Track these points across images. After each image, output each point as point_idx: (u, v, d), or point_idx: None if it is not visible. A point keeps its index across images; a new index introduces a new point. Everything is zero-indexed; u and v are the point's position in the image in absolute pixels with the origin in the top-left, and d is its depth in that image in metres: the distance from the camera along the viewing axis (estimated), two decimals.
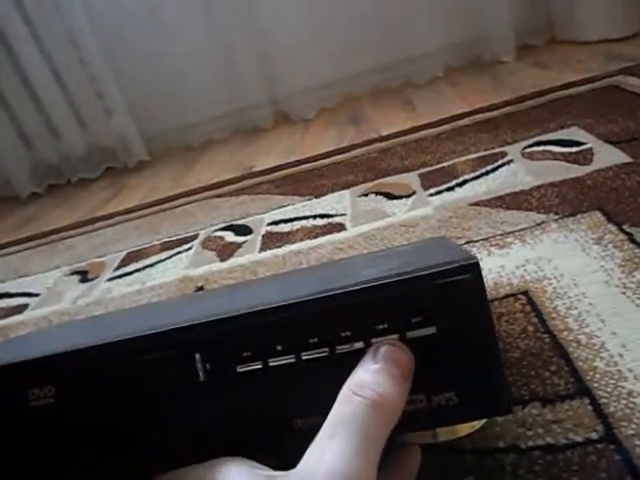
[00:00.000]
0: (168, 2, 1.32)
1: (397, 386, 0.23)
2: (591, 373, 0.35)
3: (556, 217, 0.55)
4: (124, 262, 0.81)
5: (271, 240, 0.72)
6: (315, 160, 0.99)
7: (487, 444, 0.33)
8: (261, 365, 0.24)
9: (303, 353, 0.24)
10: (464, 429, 0.30)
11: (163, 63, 1.38)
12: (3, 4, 1.30)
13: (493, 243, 0.54)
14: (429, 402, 0.24)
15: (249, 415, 0.24)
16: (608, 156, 0.64)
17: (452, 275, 0.23)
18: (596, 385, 0.34)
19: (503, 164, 0.70)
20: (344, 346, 0.24)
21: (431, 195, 0.69)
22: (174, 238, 0.84)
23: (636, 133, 0.68)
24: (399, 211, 0.68)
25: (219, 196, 0.98)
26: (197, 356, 0.24)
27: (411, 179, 0.76)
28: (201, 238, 0.81)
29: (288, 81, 1.37)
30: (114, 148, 1.44)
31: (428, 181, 0.74)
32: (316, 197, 0.81)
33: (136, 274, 0.75)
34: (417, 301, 0.23)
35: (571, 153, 0.67)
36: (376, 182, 0.79)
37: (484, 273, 0.49)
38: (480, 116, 0.93)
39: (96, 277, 0.79)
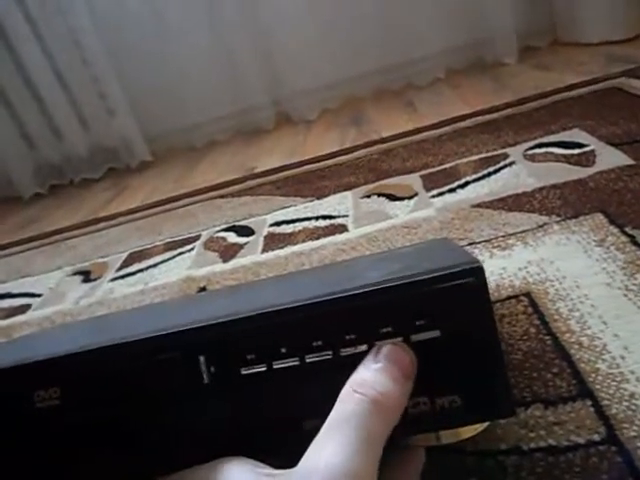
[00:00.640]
0: (171, 3, 1.32)
1: (398, 385, 0.23)
2: (593, 375, 0.36)
3: (558, 219, 0.55)
4: (127, 262, 0.82)
5: (273, 241, 0.72)
6: (317, 161, 0.99)
7: (489, 446, 0.33)
8: (265, 368, 0.24)
9: (307, 356, 0.24)
10: (467, 431, 0.30)
11: (166, 64, 1.38)
12: (5, 3, 1.31)
13: (495, 245, 0.54)
14: (433, 405, 0.24)
15: (253, 417, 0.24)
16: (610, 158, 0.64)
17: (456, 279, 0.23)
18: (598, 387, 0.35)
19: (505, 166, 0.71)
20: (348, 349, 0.24)
21: (433, 197, 0.69)
22: (177, 239, 0.85)
23: (638, 135, 0.68)
24: (401, 212, 0.68)
25: (221, 197, 0.98)
26: (201, 359, 0.24)
27: (413, 180, 0.76)
28: (203, 239, 0.81)
29: (290, 82, 1.37)
30: (116, 148, 1.44)
31: (430, 182, 0.74)
32: (318, 198, 0.81)
33: (139, 274, 0.76)
34: (421, 304, 0.24)
35: (573, 155, 0.68)
36: (378, 183, 0.79)
37: (486, 275, 0.49)
38: (482, 118, 0.93)
39: (99, 277, 0.79)
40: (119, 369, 0.25)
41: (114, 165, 1.48)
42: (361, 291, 0.24)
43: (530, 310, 0.43)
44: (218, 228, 0.83)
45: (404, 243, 0.61)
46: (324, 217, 0.74)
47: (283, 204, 0.84)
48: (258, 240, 0.74)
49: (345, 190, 0.81)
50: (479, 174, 0.71)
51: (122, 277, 0.76)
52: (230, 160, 1.25)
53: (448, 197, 0.68)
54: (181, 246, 0.81)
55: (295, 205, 0.82)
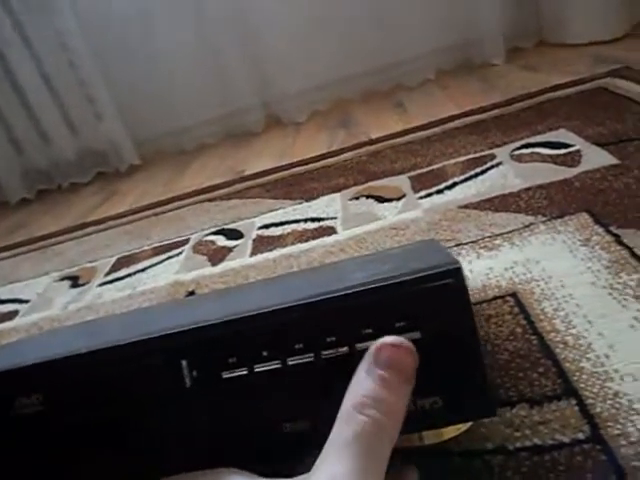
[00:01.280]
0: (158, 5, 1.32)
1: (401, 394, 0.23)
2: (578, 374, 0.36)
3: (544, 219, 0.55)
4: (115, 267, 0.81)
5: (262, 244, 0.72)
6: (306, 163, 0.99)
7: (475, 446, 0.33)
8: (247, 371, 0.24)
9: (289, 359, 0.24)
10: (450, 432, 0.30)
11: (154, 67, 1.38)
12: None
13: (482, 245, 0.54)
14: (414, 406, 0.24)
15: (235, 420, 0.24)
16: (596, 158, 0.64)
17: (435, 280, 0.23)
18: (583, 386, 0.35)
19: (492, 166, 0.71)
20: (329, 351, 0.24)
21: (421, 198, 0.69)
22: (165, 243, 0.84)
23: (623, 135, 0.68)
24: (389, 214, 0.68)
25: (210, 200, 0.98)
26: (183, 363, 0.24)
27: (401, 182, 0.76)
28: (192, 243, 0.81)
29: (279, 85, 1.37)
30: (105, 153, 1.44)
31: (418, 184, 0.74)
32: (307, 200, 0.81)
33: (127, 279, 0.75)
34: (401, 306, 0.24)
35: (559, 155, 0.68)
36: (367, 185, 0.80)
37: (473, 275, 0.50)
38: (470, 118, 0.93)
39: (87, 282, 0.79)
40: (102, 374, 0.25)
41: (103, 169, 1.47)
42: (341, 294, 0.24)
43: (516, 310, 0.43)
44: (207, 232, 0.83)
45: (392, 244, 0.61)
46: (313, 219, 0.74)
47: (272, 207, 0.84)
48: (247, 243, 0.74)
49: (334, 192, 0.81)
50: (466, 175, 0.71)
51: (110, 282, 0.76)
52: (219, 163, 1.25)
53: (436, 198, 0.68)
54: (170, 250, 0.81)
55: (284, 207, 0.82)
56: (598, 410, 0.33)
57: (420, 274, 0.24)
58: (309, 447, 0.25)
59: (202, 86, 1.39)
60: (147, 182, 1.30)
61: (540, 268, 0.48)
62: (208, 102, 1.41)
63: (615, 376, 0.35)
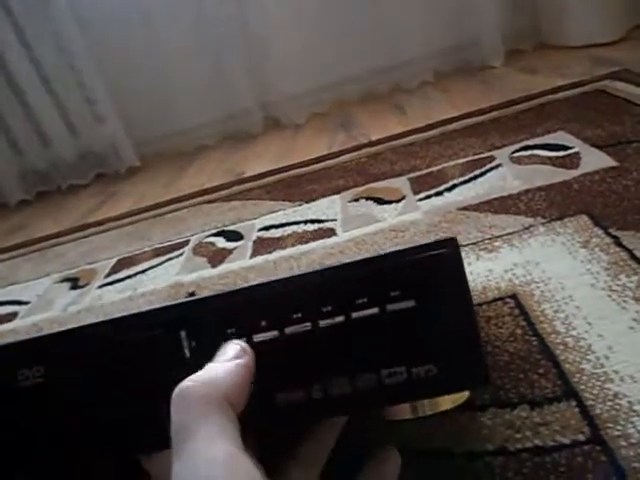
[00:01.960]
0: (158, 8, 1.32)
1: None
2: (578, 375, 0.36)
3: (544, 221, 0.55)
4: (115, 269, 0.81)
5: (262, 246, 0.72)
6: (306, 165, 0.99)
7: (476, 447, 0.33)
8: (245, 341, 0.24)
9: (286, 328, 0.24)
10: (446, 403, 0.30)
11: (153, 69, 1.38)
12: None
13: (482, 247, 0.54)
14: (409, 375, 0.24)
15: None
16: (595, 160, 0.65)
17: (429, 250, 0.24)
18: (583, 387, 0.35)
19: (491, 168, 0.71)
20: (326, 320, 0.24)
21: (421, 200, 0.70)
22: (165, 244, 0.84)
23: (622, 137, 0.68)
24: (389, 216, 0.68)
25: (210, 202, 0.98)
26: (182, 334, 0.25)
27: (401, 184, 0.76)
28: (192, 244, 0.81)
29: (279, 87, 1.37)
30: (104, 154, 1.44)
31: (418, 185, 0.74)
32: (307, 202, 0.82)
33: (127, 281, 0.75)
34: (396, 275, 0.24)
35: (558, 157, 0.68)
36: (366, 187, 0.80)
37: (473, 277, 0.50)
38: (469, 121, 0.94)
39: (87, 284, 0.79)
40: (102, 347, 0.25)
41: (102, 171, 1.47)
42: (336, 265, 0.24)
43: (516, 312, 0.44)
44: (207, 233, 0.83)
45: (392, 246, 0.61)
46: (313, 221, 0.74)
47: (272, 208, 0.84)
48: (247, 245, 0.74)
49: (334, 194, 0.81)
50: (466, 177, 0.71)
51: (110, 283, 0.76)
52: (219, 165, 1.25)
53: (435, 200, 0.68)
54: (170, 252, 0.81)
55: (284, 209, 0.82)
56: (598, 411, 0.33)
57: (415, 244, 0.24)
58: (304, 417, 0.25)
59: (201, 88, 1.40)
60: (147, 184, 1.30)
61: (540, 270, 0.48)
62: (208, 104, 1.41)
63: (615, 377, 0.35)
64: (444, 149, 0.85)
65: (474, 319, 0.25)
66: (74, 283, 0.81)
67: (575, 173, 0.63)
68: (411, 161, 0.84)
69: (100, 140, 1.42)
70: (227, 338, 0.25)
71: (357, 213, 0.72)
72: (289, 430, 0.26)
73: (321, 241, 0.67)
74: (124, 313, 0.26)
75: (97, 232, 1.03)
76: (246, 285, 0.25)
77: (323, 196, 0.82)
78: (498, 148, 0.78)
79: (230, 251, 0.74)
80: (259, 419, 0.24)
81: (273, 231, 0.76)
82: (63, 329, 0.26)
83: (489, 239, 0.55)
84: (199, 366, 0.24)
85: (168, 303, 0.26)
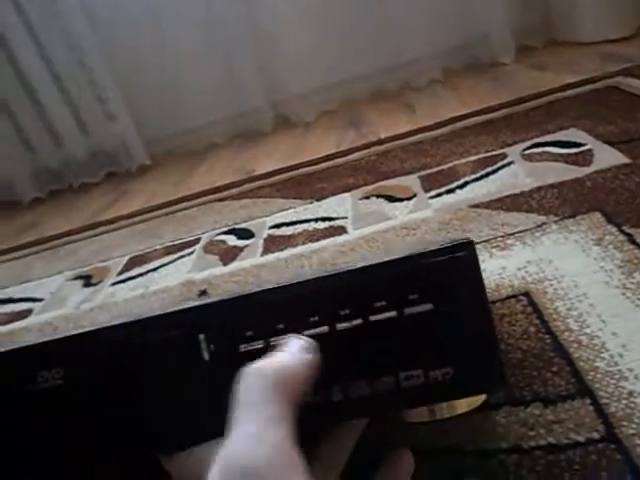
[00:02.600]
0: (168, 7, 1.32)
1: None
2: (592, 373, 0.36)
3: (556, 218, 0.55)
4: (127, 266, 0.82)
5: (273, 243, 0.72)
6: (316, 163, 0.99)
7: (490, 445, 0.33)
8: (263, 344, 0.25)
9: (304, 332, 0.24)
10: (462, 406, 0.30)
11: (163, 67, 1.39)
12: (3, 9, 1.31)
13: (494, 245, 0.54)
14: (426, 378, 0.24)
15: None
16: (607, 157, 0.64)
17: (447, 253, 0.24)
18: (597, 385, 0.35)
19: (503, 166, 0.71)
20: (343, 324, 0.24)
21: (432, 197, 0.69)
22: (176, 242, 0.85)
23: (635, 134, 0.68)
24: (400, 214, 0.68)
25: (221, 200, 0.98)
26: (201, 337, 0.25)
27: (412, 181, 0.76)
28: (203, 242, 0.81)
29: (288, 85, 1.37)
30: (115, 153, 1.45)
31: (429, 183, 0.74)
32: (317, 200, 0.82)
33: (139, 278, 0.76)
34: (414, 279, 0.24)
35: (570, 154, 0.68)
36: (377, 185, 0.80)
37: (486, 275, 0.50)
38: (479, 118, 0.93)
39: (100, 282, 0.80)
40: (120, 349, 0.26)
41: (113, 169, 1.48)
42: (355, 268, 0.24)
43: (529, 309, 0.44)
44: (218, 231, 0.84)
45: (405, 244, 0.61)
46: (323, 219, 0.74)
47: (282, 206, 0.84)
48: (258, 243, 0.74)
49: (344, 192, 0.82)
50: (477, 174, 0.71)
51: (123, 281, 0.77)
52: (229, 163, 1.26)
53: (447, 198, 0.68)
54: (181, 250, 0.81)
55: (294, 207, 0.82)
56: (613, 410, 0.33)
57: (432, 248, 0.24)
58: (323, 420, 0.25)
59: (211, 86, 1.40)
60: (157, 182, 1.30)
61: (553, 267, 0.48)
62: (218, 102, 1.41)
63: (629, 375, 0.35)
64: (455, 147, 0.84)
65: (491, 322, 0.25)
66: (87, 281, 0.82)
67: (588, 170, 0.62)
68: (421, 159, 0.84)
69: (111, 138, 1.43)
70: (245, 341, 0.25)
71: (368, 211, 0.72)
72: (309, 432, 0.26)
73: (332, 239, 0.67)
74: (141, 314, 0.26)
75: (109, 230, 1.04)
76: (264, 288, 0.25)
77: (333, 194, 0.82)
78: (509, 145, 0.77)
79: (241, 249, 0.74)
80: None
81: (284, 229, 0.76)
82: (82, 331, 0.26)
83: (501, 237, 0.55)
84: (217, 369, 0.25)
85: (186, 305, 0.26)
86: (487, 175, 0.70)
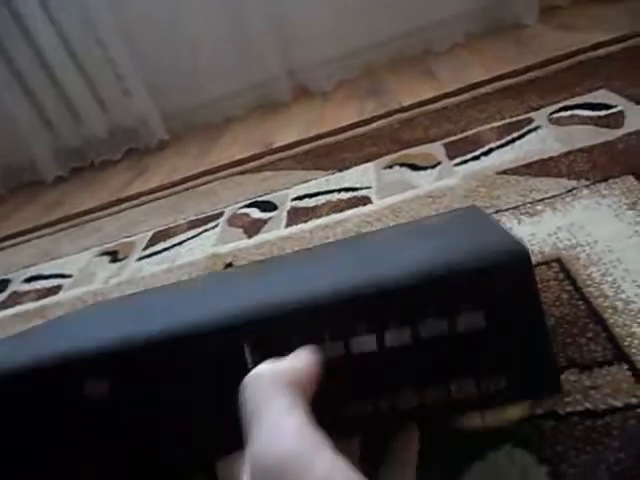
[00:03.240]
0: None
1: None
2: (629, 339, 0.35)
3: (587, 183, 0.54)
4: (152, 241, 0.83)
5: (297, 215, 0.72)
6: (337, 133, 0.98)
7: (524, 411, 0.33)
8: None
9: (352, 338, 0.24)
10: (514, 413, 0.30)
11: (179, 40, 1.37)
12: None
13: (523, 212, 0.53)
14: (478, 387, 0.24)
15: None
16: (639, 119, 0.62)
17: (501, 263, 0.23)
18: (634, 351, 0.34)
19: (530, 131, 0.69)
20: (393, 333, 0.24)
21: (457, 165, 0.68)
22: (200, 216, 0.85)
23: None
24: (425, 182, 0.67)
25: (242, 173, 0.98)
26: (246, 347, 0.25)
27: (435, 149, 0.75)
28: (227, 215, 0.81)
29: (306, 53, 1.35)
30: (135, 129, 1.45)
31: (453, 151, 0.73)
32: (340, 171, 0.81)
33: (165, 253, 0.77)
34: (466, 287, 0.23)
35: (600, 117, 0.66)
36: (400, 153, 0.79)
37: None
38: (504, 82, 0.91)
39: (126, 257, 0.81)
40: (166, 359, 0.26)
41: (133, 145, 1.48)
42: (405, 275, 0.23)
43: (561, 276, 0.43)
44: (241, 204, 0.84)
45: (429, 213, 0.60)
46: (347, 189, 0.74)
47: (304, 178, 0.84)
48: (281, 215, 0.74)
49: (366, 161, 0.81)
50: (503, 140, 0.69)
51: (148, 256, 0.77)
52: (248, 135, 1.25)
53: (472, 165, 0.67)
54: (205, 224, 0.82)
55: (316, 178, 0.82)
56: None
57: (485, 255, 0.23)
58: (372, 429, 0.25)
59: (228, 58, 1.38)
60: (177, 157, 1.30)
61: (585, 233, 0.47)
62: (235, 74, 1.40)
63: None
64: (478, 112, 0.83)
65: (546, 328, 0.24)
66: (113, 256, 0.83)
67: (619, 132, 0.61)
68: (445, 126, 0.82)
69: (130, 115, 1.43)
70: (291, 351, 0.24)
71: (392, 180, 0.71)
72: (366, 447, 0.26)
73: (356, 209, 0.67)
74: (187, 322, 0.26)
75: (132, 206, 1.05)
76: (311, 297, 0.24)
77: (356, 164, 0.81)
78: (536, 110, 0.75)
79: (265, 221, 0.74)
80: (326, 431, 0.24)
81: (307, 200, 0.75)
82: (127, 340, 0.26)
83: (530, 203, 0.54)
84: None
85: (232, 312, 0.25)
86: (513, 141, 0.68)
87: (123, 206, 1.07)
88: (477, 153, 0.69)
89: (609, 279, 0.41)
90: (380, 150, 0.83)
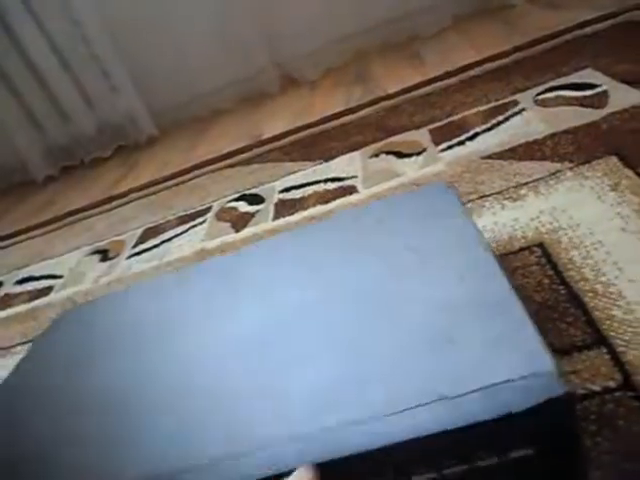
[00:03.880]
0: None
1: None
2: (608, 322, 0.35)
3: (571, 165, 0.53)
4: (142, 239, 0.82)
5: (284, 207, 0.72)
6: (323, 123, 0.97)
7: None
8: None
9: (413, 477, 0.25)
10: None
11: (165, 36, 1.36)
12: None
13: (506, 196, 0.53)
14: None
15: None
16: (623, 97, 0.61)
17: (548, 411, 0.23)
18: (613, 334, 0.34)
19: (515, 113, 0.69)
20: (452, 469, 0.25)
21: (442, 151, 0.68)
22: (189, 212, 0.85)
23: None
24: (410, 169, 0.67)
25: (231, 166, 0.98)
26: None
27: (421, 136, 0.75)
28: (215, 210, 0.81)
29: (292, 43, 1.34)
30: (123, 125, 1.44)
31: (438, 136, 0.72)
32: (326, 161, 0.81)
33: (154, 250, 0.76)
34: (513, 428, 0.24)
35: (585, 97, 0.65)
36: (386, 141, 0.78)
37: (498, 227, 0.49)
38: (491, 65, 0.90)
39: (116, 255, 0.80)
40: None
41: (122, 142, 1.48)
42: (464, 424, 0.24)
43: (543, 260, 0.43)
44: (229, 198, 0.83)
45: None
46: (333, 179, 0.73)
47: (291, 169, 0.83)
48: (269, 208, 0.74)
49: (353, 150, 0.80)
50: (488, 124, 0.69)
51: (138, 254, 0.77)
52: (237, 128, 1.24)
53: (457, 150, 0.66)
54: (193, 219, 0.81)
55: (304, 169, 0.81)
56: (630, 357, 0.32)
57: (534, 404, 0.23)
58: None
59: (215, 51, 1.37)
60: (166, 152, 1.30)
61: (567, 216, 0.46)
62: (222, 67, 1.39)
63: None
64: (465, 96, 0.82)
65: (584, 463, 0.25)
66: (104, 255, 0.83)
67: (603, 112, 0.60)
68: (430, 112, 0.82)
69: (118, 112, 1.42)
70: None
71: (377, 169, 0.71)
72: None
73: (343, 199, 0.67)
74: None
75: (122, 203, 1.04)
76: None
77: (342, 153, 0.81)
78: (522, 91, 0.75)
79: (252, 215, 0.74)
80: None
81: (294, 192, 0.75)
82: None
83: (514, 187, 0.54)
84: None
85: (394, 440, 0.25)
86: (498, 124, 0.68)
87: (114, 204, 1.06)
88: (462, 138, 0.69)
89: (590, 262, 0.41)
90: (366, 138, 0.82)
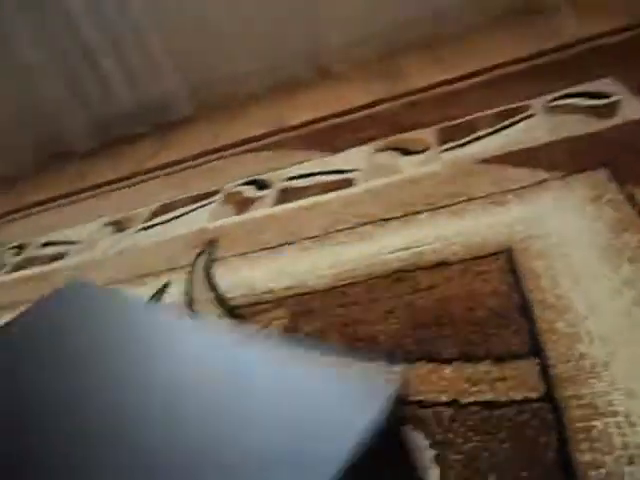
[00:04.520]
0: None
1: None
2: (548, 334, 0.35)
3: (560, 174, 0.52)
4: (155, 214, 0.86)
5: (287, 195, 0.73)
6: (343, 115, 0.98)
7: (429, 397, 0.34)
8: None
9: None
10: None
11: (205, 19, 1.39)
12: None
13: (491, 201, 0.53)
14: None
15: None
16: (635, 109, 0.59)
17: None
18: (550, 346, 0.34)
19: (522, 119, 0.67)
20: None
21: (444, 151, 0.67)
22: (203, 192, 0.87)
23: None
24: (409, 167, 0.67)
25: (249, 151, 1.00)
26: None
27: (428, 134, 0.74)
28: (225, 192, 0.83)
29: (329, 35, 1.34)
30: (161, 104, 1.48)
31: (445, 136, 0.72)
32: (336, 152, 0.81)
33: (161, 226, 0.79)
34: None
35: (595, 106, 0.63)
36: (394, 137, 0.78)
37: (475, 230, 0.48)
38: (512, 68, 0.88)
39: (128, 228, 0.84)
40: None
41: (158, 120, 1.52)
42: None
43: (506, 267, 0.43)
44: (240, 182, 0.85)
45: (406, 198, 0.60)
46: (337, 172, 0.74)
47: (304, 158, 0.85)
48: (272, 194, 0.75)
49: (363, 144, 0.81)
50: (494, 128, 0.68)
51: (146, 229, 0.80)
52: (265, 114, 1.26)
53: (458, 151, 0.66)
54: (204, 199, 0.84)
55: (314, 159, 0.82)
56: (558, 371, 0.32)
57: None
58: None
59: (253, 37, 1.39)
60: (199, 132, 1.33)
61: (542, 225, 0.46)
62: (258, 52, 1.40)
63: (586, 338, 0.34)
64: (482, 98, 0.81)
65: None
66: (117, 227, 0.87)
67: (609, 123, 0.58)
68: (444, 111, 0.81)
69: (157, 90, 1.47)
70: None
71: (381, 163, 0.71)
72: None
73: (339, 192, 0.67)
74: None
75: (147, 179, 1.08)
76: None
77: (352, 146, 0.81)
78: (536, 97, 0.73)
79: (255, 200, 0.76)
80: None
81: (300, 181, 0.76)
82: None
83: (501, 192, 0.53)
84: None
85: None
86: (504, 128, 0.67)
87: (139, 179, 1.10)
88: (466, 140, 0.68)
89: (550, 273, 0.40)
90: (378, 133, 0.82)
